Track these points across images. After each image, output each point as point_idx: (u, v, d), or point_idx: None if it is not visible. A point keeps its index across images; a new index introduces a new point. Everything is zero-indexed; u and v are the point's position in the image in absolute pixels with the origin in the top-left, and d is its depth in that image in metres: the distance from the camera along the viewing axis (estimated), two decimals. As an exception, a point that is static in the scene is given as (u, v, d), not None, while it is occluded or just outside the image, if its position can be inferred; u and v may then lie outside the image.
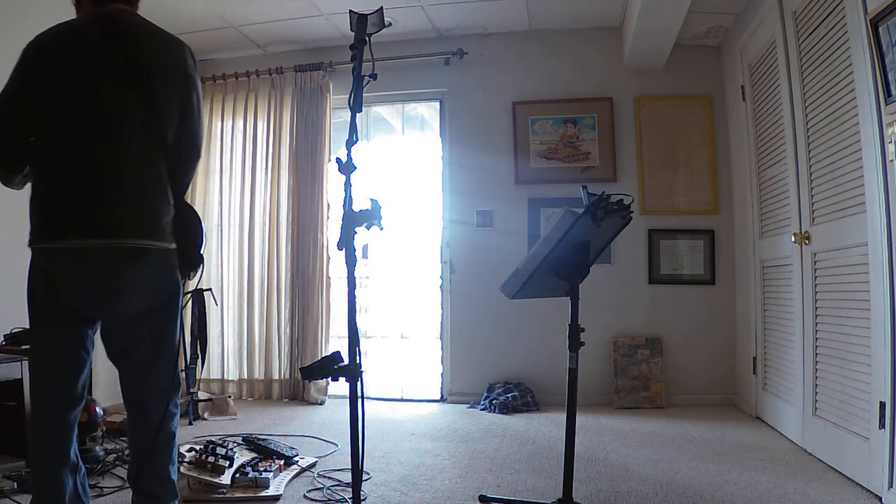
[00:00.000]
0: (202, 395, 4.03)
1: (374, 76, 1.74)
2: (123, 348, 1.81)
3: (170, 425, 1.84)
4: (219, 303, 4.54)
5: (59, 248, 1.72)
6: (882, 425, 2.24)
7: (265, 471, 2.53)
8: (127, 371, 1.83)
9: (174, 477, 1.85)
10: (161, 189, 1.81)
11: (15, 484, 2.37)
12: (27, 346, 2.80)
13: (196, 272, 1.99)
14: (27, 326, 2.99)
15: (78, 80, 1.76)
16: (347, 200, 1.64)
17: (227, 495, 2.35)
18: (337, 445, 3.15)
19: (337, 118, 4.77)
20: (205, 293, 4.08)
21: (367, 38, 1.78)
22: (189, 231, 1.89)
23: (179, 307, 1.90)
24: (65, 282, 1.73)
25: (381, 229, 1.65)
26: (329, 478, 2.63)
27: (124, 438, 3.12)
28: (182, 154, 1.90)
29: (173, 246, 1.84)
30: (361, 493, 1.92)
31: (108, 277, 1.73)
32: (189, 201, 5.01)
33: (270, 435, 3.26)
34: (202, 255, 1.97)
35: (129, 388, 1.84)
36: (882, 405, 2.25)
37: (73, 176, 1.73)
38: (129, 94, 1.78)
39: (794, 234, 3.04)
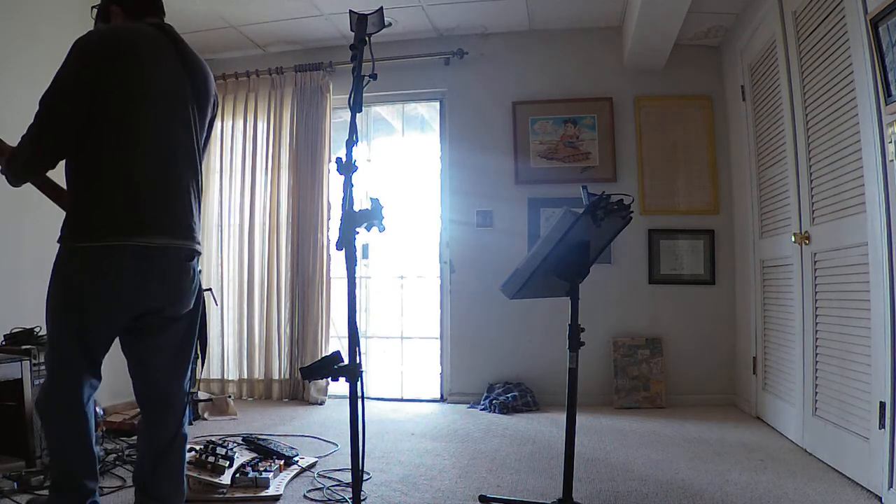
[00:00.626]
0: (202, 395, 4.03)
1: (374, 76, 1.74)
2: (160, 346, 1.85)
3: (185, 427, 1.86)
4: (219, 303, 4.55)
5: (147, 245, 1.72)
6: (882, 425, 2.24)
7: (265, 471, 2.53)
8: (154, 370, 1.86)
9: (185, 480, 1.86)
10: (200, 198, 1.94)
11: (15, 484, 2.36)
12: (28, 347, 2.80)
13: None
14: (27, 326, 3.00)
15: (163, 87, 1.80)
16: (347, 200, 1.64)
17: (227, 495, 2.35)
18: (337, 445, 3.15)
19: (337, 118, 4.77)
20: (205, 293, 4.07)
21: (367, 38, 1.77)
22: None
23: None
24: (131, 279, 1.71)
25: (382, 230, 1.65)
26: (329, 478, 2.63)
27: (124, 438, 3.13)
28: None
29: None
30: (361, 493, 1.92)
31: (178, 276, 1.81)
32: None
33: (270, 435, 3.26)
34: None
35: (154, 387, 1.86)
36: (882, 405, 2.25)
37: (142, 177, 1.74)
38: (193, 110, 1.88)
39: (794, 234, 3.04)
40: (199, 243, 1.89)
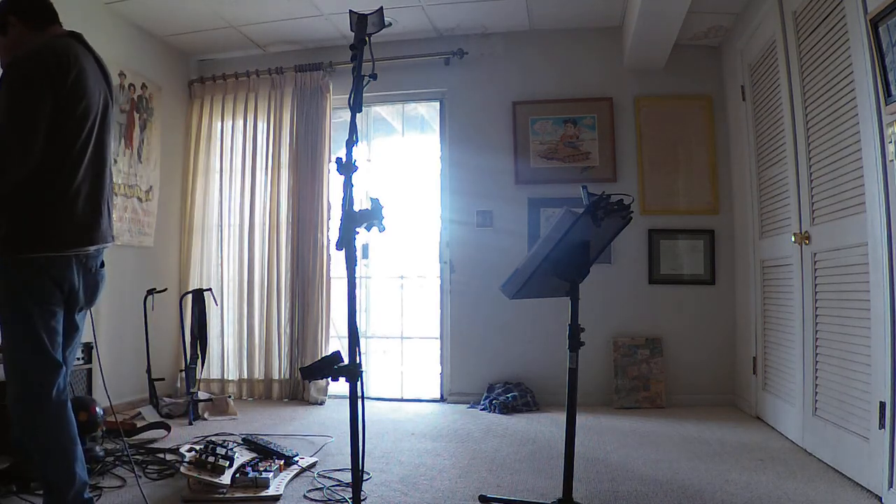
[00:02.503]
0: (202, 395, 4.03)
1: (374, 76, 1.74)
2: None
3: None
4: (219, 303, 4.54)
5: (77, 254, 1.92)
6: (882, 425, 2.24)
7: (265, 471, 2.53)
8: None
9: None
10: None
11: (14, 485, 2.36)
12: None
13: None
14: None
15: (90, 101, 1.93)
16: (347, 200, 1.64)
17: (227, 495, 2.35)
18: (332, 437, 3.14)
19: (337, 118, 4.77)
20: (205, 293, 4.08)
21: (367, 38, 1.78)
22: None
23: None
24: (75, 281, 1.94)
25: (382, 230, 1.65)
26: (329, 478, 2.63)
27: (124, 438, 3.13)
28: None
29: None
30: (361, 493, 1.92)
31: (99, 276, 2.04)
32: (189, 201, 5.06)
33: (270, 434, 3.26)
34: None
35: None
36: (882, 405, 2.25)
37: (91, 189, 1.95)
38: (108, 115, 2.03)
39: (794, 234, 3.04)
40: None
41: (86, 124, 1.89)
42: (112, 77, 2.11)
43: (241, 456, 2.66)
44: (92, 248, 1.93)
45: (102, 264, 2.05)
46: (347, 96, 1.74)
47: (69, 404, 1.90)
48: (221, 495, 2.35)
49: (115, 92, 2.14)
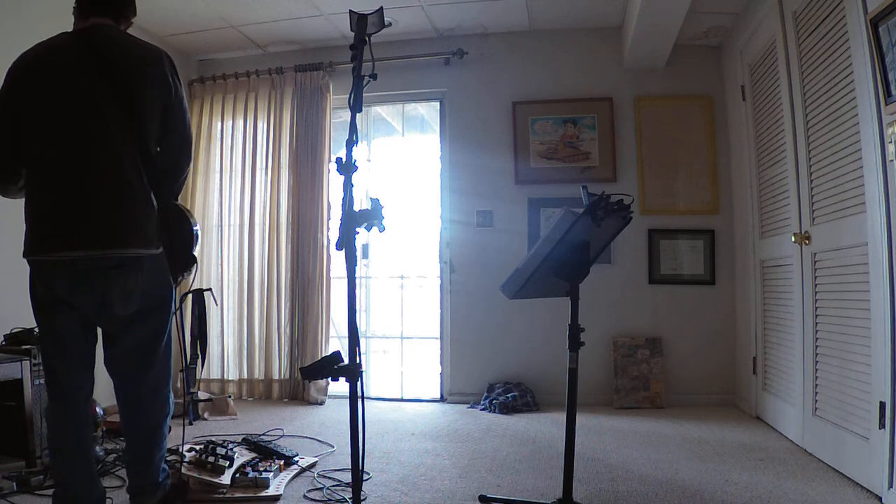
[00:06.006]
0: (202, 395, 4.03)
1: (374, 76, 1.74)
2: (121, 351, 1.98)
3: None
4: (219, 303, 4.54)
5: (46, 260, 1.82)
6: (882, 425, 2.24)
7: (265, 471, 2.53)
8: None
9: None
10: (142, 198, 1.89)
11: (14, 484, 2.36)
12: (28, 347, 2.80)
13: (188, 273, 2.04)
14: (27, 326, 3.00)
15: (59, 100, 1.84)
16: (347, 200, 1.64)
17: (227, 495, 2.35)
18: (333, 446, 3.14)
19: (337, 118, 4.77)
20: (205, 293, 4.08)
21: (367, 38, 1.78)
22: (174, 233, 1.96)
23: (170, 308, 2.02)
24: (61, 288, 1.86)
25: (382, 230, 1.65)
26: (329, 478, 2.63)
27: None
28: (169, 161, 2.00)
29: (158, 250, 1.92)
30: (361, 493, 1.92)
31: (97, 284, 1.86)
32: (189, 201, 5.03)
33: (269, 432, 3.26)
34: (193, 256, 2.01)
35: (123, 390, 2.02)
36: (882, 405, 2.25)
37: (57, 192, 1.82)
38: (108, 110, 1.85)
39: (794, 234, 3.04)
40: (126, 246, 1.87)
41: (48, 121, 1.84)
42: (141, 66, 1.92)
43: (241, 456, 2.66)
44: (74, 254, 1.79)
45: (121, 270, 1.84)
46: (347, 96, 1.74)
47: (71, 414, 1.90)
48: (221, 495, 2.35)
49: (128, 78, 1.88)
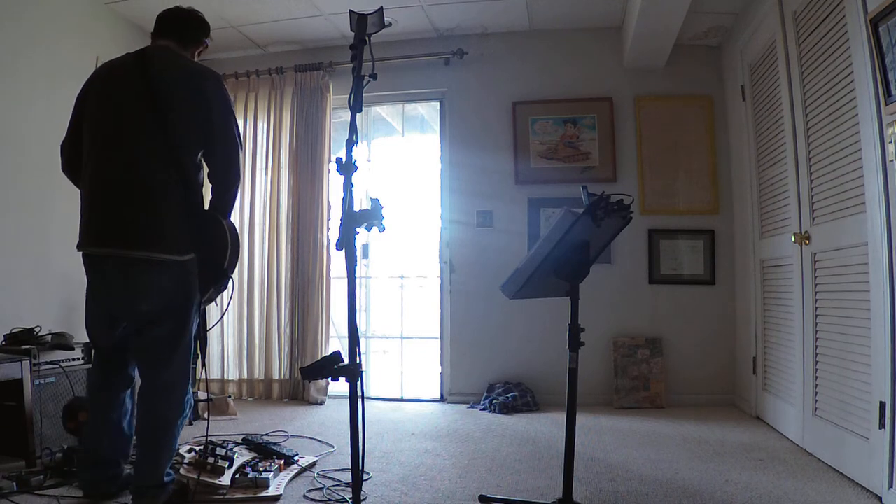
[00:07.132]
0: (202, 395, 4.02)
1: (374, 76, 1.74)
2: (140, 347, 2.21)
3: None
4: (219, 303, 4.54)
5: (84, 253, 2.13)
6: (882, 425, 2.24)
7: (265, 471, 2.53)
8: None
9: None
10: (172, 206, 2.06)
11: (14, 484, 2.36)
12: (28, 347, 2.80)
13: (219, 287, 2.21)
14: (27, 326, 3.00)
15: (104, 111, 2.09)
16: (347, 200, 1.64)
17: (227, 496, 2.35)
18: (333, 446, 3.14)
19: (337, 118, 4.77)
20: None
21: (367, 38, 1.78)
22: (208, 245, 2.14)
23: (192, 313, 2.21)
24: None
25: (382, 230, 1.66)
26: (329, 478, 2.63)
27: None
28: (214, 176, 2.19)
29: (184, 257, 2.08)
30: (361, 493, 1.92)
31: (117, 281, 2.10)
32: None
33: (272, 433, 3.26)
34: (225, 272, 2.17)
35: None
36: (882, 405, 2.25)
37: (92, 193, 2.07)
38: (146, 124, 2.04)
39: (794, 234, 3.04)
40: (150, 250, 2.07)
41: (96, 130, 2.12)
42: (184, 81, 2.15)
43: (241, 456, 2.65)
44: (93, 251, 2.07)
45: (141, 269, 2.05)
46: (347, 96, 1.74)
47: (102, 397, 2.26)
48: (221, 496, 2.35)
49: (169, 96, 2.11)
